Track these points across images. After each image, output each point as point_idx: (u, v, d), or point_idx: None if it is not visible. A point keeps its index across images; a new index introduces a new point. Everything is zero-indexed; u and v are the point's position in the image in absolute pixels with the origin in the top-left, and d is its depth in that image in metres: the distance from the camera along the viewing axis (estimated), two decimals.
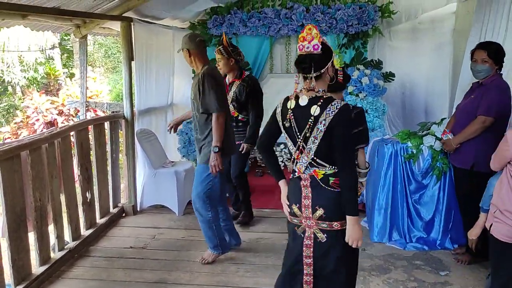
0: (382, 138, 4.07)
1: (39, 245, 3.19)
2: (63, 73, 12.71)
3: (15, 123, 8.78)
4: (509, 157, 2.06)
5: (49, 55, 13.03)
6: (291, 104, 2.13)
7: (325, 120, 2.03)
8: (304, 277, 2.18)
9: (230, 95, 3.86)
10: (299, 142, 2.12)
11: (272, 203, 4.61)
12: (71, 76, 12.72)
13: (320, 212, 2.11)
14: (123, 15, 4.07)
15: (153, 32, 4.64)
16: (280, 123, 2.17)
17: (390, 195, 3.68)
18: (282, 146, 5.76)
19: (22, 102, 10.86)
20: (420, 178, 3.66)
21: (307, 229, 2.17)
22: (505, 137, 2.11)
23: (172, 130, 3.81)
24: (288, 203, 2.24)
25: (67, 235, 3.59)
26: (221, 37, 3.76)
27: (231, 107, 3.79)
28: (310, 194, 2.14)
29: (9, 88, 13.22)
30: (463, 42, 4.65)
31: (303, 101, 2.10)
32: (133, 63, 4.30)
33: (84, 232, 3.80)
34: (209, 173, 3.21)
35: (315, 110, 2.05)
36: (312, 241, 2.15)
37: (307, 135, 2.08)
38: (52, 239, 3.42)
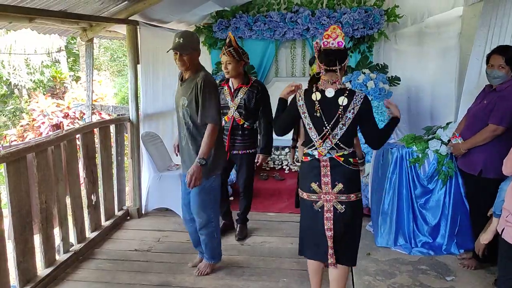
0: (387, 142, 4.05)
1: (44, 247, 3.20)
2: (69, 76, 12.78)
3: (21, 125, 8.83)
4: None
5: (55, 58, 13.11)
6: (316, 96, 2.46)
7: (353, 109, 2.42)
8: (328, 245, 2.54)
9: (236, 101, 3.60)
10: (325, 130, 2.46)
11: (277, 207, 4.61)
12: (77, 79, 12.79)
13: (339, 186, 2.49)
14: (129, 18, 4.08)
15: (159, 35, 4.65)
16: (305, 114, 2.51)
17: (395, 200, 3.67)
18: (286, 149, 5.77)
19: (28, 105, 10.92)
20: (426, 183, 3.64)
21: (325, 203, 2.52)
22: None
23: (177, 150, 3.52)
24: (301, 185, 2.63)
25: (72, 237, 3.60)
26: (227, 39, 3.52)
27: (236, 114, 3.61)
28: (329, 173, 2.50)
29: (16, 91, 13.31)
30: (469, 46, 4.64)
31: (330, 93, 2.45)
32: (139, 66, 4.31)
33: (89, 235, 3.81)
34: (211, 184, 3.05)
35: (343, 100, 2.42)
36: (332, 213, 2.52)
37: (336, 123, 2.44)
38: (57, 241, 3.43)
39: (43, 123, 8.07)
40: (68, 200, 3.54)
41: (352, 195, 2.52)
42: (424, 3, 5.27)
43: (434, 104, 5.48)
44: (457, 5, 5.10)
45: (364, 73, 5.31)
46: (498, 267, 2.39)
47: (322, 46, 2.49)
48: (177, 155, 3.51)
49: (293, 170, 5.61)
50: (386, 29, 5.44)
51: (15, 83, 12.65)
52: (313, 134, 2.50)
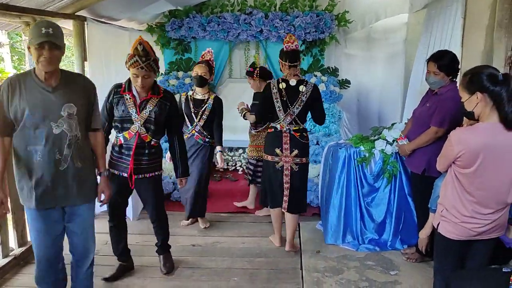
0: (336, 142, 4.16)
1: None
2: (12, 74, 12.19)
3: None
4: (453, 157, 2.16)
5: None
6: (283, 85, 3.41)
7: (307, 94, 3.40)
8: (284, 194, 3.51)
9: (143, 114, 2.93)
10: (289, 109, 3.40)
11: (229, 208, 4.60)
12: None
13: (295, 152, 3.45)
14: (76, 13, 3.96)
15: (108, 32, 4.54)
16: (277, 99, 3.41)
17: (343, 198, 3.76)
18: (240, 150, 5.78)
19: None
20: (372, 181, 3.77)
21: (284, 164, 3.46)
22: (449, 137, 2.20)
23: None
24: (266, 150, 3.57)
25: (12, 241, 3.42)
26: (136, 44, 2.83)
27: (142, 130, 2.94)
28: (288, 142, 3.45)
29: None
30: (414, 51, 4.86)
31: (293, 82, 3.41)
32: (86, 63, 4.18)
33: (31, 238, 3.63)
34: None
35: (302, 88, 3.40)
36: (289, 171, 3.47)
37: (295, 103, 3.39)
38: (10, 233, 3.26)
39: None
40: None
41: (304, 159, 3.49)
42: (371, 9, 5.46)
43: (381, 106, 5.70)
44: (403, 12, 5.32)
45: (315, 76, 5.43)
46: (434, 259, 2.50)
47: (285, 49, 3.41)
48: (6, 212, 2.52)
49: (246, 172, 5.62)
50: (337, 33, 5.60)
51: None
52: (280, 113, 3.42)
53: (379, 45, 5.60)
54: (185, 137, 3.73)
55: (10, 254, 3.35)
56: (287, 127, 3.43)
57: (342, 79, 5.55)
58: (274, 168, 3.50)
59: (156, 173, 3.10)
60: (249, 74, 4.22)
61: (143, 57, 2.79)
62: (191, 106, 3.90)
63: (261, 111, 3.59)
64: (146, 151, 3.00)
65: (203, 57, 4.03)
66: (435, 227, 2.36)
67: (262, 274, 3.32)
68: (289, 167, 3.47)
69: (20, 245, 3.47)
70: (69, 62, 14.41)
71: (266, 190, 3.65)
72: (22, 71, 2.34)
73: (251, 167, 4.38)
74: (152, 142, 3.01)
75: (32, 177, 2.36)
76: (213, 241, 3.89)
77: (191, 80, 5.36)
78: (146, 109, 2.95)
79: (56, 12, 3.78)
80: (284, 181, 3.49)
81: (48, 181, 2.35)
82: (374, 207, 3.77)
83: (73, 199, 2.44)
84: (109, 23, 4.64)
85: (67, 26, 4.34)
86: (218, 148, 3.98)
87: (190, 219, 4.21)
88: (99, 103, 2.58)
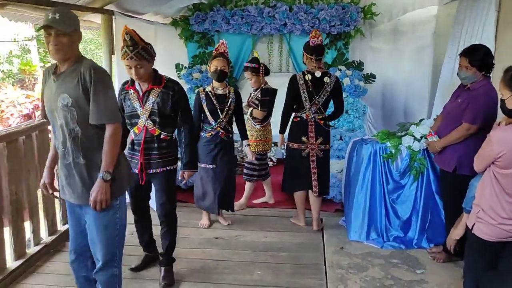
0: (361, 138, 4.12)
1: (14, 240, 3.12)
2: (40, 67, 12.42)
3: None
4: (493, 158, 2.10)
5: (25, 47, 12.72)
6: (308, 77, 3.68)
7: (330, 85, 3.71)
8: (313, 179, 3.79)
9: (147, 107, 2.82)
10: (315, 99, 3.69)
11: (250, 203, 4.61)
12: None
13: (320, 139, 3.76)
14: (104, 8, 4.00)
15: (135, 26, 4.46)
16: (304, 89, 3.68)
17: (368, 195, 3.73)
18: None
19: None
20: (398, 178, 3.72)
21: (310, 151, 3.76)
22: (489, 137, 2.14)
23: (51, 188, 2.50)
24: (292, 139, 3.83)
25: (43, 230, 3.51)
26: (123, 34, 2.69)
27: (149, 123, 2.83)
28: (313, 130, 3.75)
29: None
30: (443, 45, 4.76)
31: (318, 74, 3.69)
32: (113, 57, 4.23)
33: (61, 228, 3.72)
34: (117, 208, 2.33)
35: (327, 79, 3.70)
36: (315, 157, 3.77)
37: (321, 94, 3.69)
38: (28, 234, 3.34)
39: (12, 114, 7.83)
40: (39, 192, 3.45)
41: (327, 145, 3.83)
42: (399, 1, 5.36)
43: (408, 101, 5.60)
44: (432, 4, 5.21)
45: (340, 70, 5.38)
46: (465, 259, 2.46)
47: (311, 44, 3.66)
48: (52, 194, 2.51)
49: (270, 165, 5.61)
50: (363, 26, 5.51)
51: None
52: (306, 103, 3.70)
53: (406, 38, 5.49)
54: (207, 135, 3.73)
55: (41, 242, 3.44)
56: (313, 116, 3.72)
57: (367, 73, 5.48)
58: (300, 155, 3.77)
59: (168, 167, 2.93)
60: (255, 70, 4.06)
61: (131, 47, 2.64)
62: (215, 102, 3.72)
63: (290, 102, 3.78)
64: (156, 145, 2.86)
65: (217, 49, 3.80)
66: (470, 227, 2.31)
67: (285, 268, 3.33)
68: (315, 154, 3.76)
69: (50, 234, 3.56)
70: (96, 55, 14.68)
71: (289, 176, 3.90)
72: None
73: (256, 162, 4.25)
74: (162, 136, 2.86)
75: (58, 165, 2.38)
76: (235, 234, 3.91)
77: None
78: (148, 101, 2.81)
79: (85, 6, 3.83)
80: (311, 166, 3.77)
81: (61, 174, 2.31)
82: (400, 204, 3.72)
83: (79, 197, 2.27)
84: (136, 17, 4.67)
85: (96, 20, 4.40)
86: (245, 142, 3.98)
87: (210, 222, 4.07)
88: (110, 94, 2.25)
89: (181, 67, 5.74)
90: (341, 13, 5.28)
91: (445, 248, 3.10)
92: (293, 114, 3.84)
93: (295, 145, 3.79)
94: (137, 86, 2.86)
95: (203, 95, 3.74)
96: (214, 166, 3.79)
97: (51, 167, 2.46)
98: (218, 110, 3.73)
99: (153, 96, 2.81)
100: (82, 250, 2.45)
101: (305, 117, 3.74)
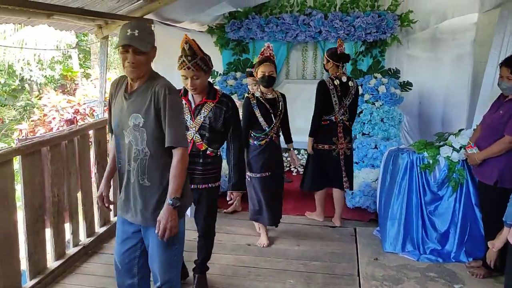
0: (397, 148, 4.04)
1: (55, 240, 3.24)
2: (80, 73, 12.87)
3: (32, 120, 8.92)
4: None
5: (66, 54, 13.22)
6: (337, 82, 3.91)
7: (354, 88, 4.00)
8: (343, 176, 4.06)
9: (197, 120, 2.75)
10: (343, 102, 3.94)
11: (284, 209, 4.57)
12: (87, 76, 12.89)
13: (348, 138, 4.07)
14: (144, 17, 4.12)
15: (172, 34, 4.68)
16: (334, 94, 3.89)
17: (404, 205, 3.65)
18: (295, 151, 5.76)
19: (39, 100, 11.02)
20: (436, 189, 3.63)
21: (340, 150, 4.01)
22: None
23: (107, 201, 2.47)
24: (322, 141, 4.02)
25: (81, 232, 3.63)
26: (182, 43, 2.63)
27: (197, 137, 2.77)
28: (342, 131, 4.00)
29: (26, 86, 13.43)
30: (484, 53, 4.63)
31: (344, 79, 3.95)
32: (152, 65, 4.33)
33: (98, 229, 3.84)
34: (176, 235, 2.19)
35: (351, 83, 3.99)
36: (343, 156, 4.04)
37: (348, 97, 3.95)
38: (67, 235, 3.46)
39: (53, 118, 8.15)
40: (79, 195, 3.57)
41: (351, 144, 4.15)
42: (438, 8, 5.26)
43: (446, 110, 5.47)
44: (472, 11, 5.08)
45: (375, 78, 5.31)
46: (505, 275, 2.37)
47: (338, 51, 3.90)
48: (108, 207, 2.48)
49: (300, 173, 5.60)
50: (399, 33, 5.44)
51: (27, 78, 12.77)
52: (336, 106, 3.92)
53: (445, 46, 5.37)
54: (261, 142, 3.59)
55: (79, 243, 3.55)
56: (341, 118, 3.97)
57: (404, 81, 5.39)
58: (329, 156, 4.01)
59: (210, 185, 2.85)
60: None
61: (189, 56, 2.58)
62: (268, 107, 3.58)
63: (321, 106, 3.95)
64: (201, 161, 2.79)
65: (262, 53, 3.60)
66: (511, 242, 2.23)
67: (317, 278, 3.30)
68: (343, 152, 4.04)
69: (88, 235, 3.67)
70: None
71: (315, 176, 4.11)
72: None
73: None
74: (208, 152, 2.79)
75: (119, 182, 2.31)
76: (268, 242, 3.91)
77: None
78: (200, 114, 2.73)
79: (126, 15, 3.96)
80: (341, 164, 4.05)
81: (123, 191, 2.24)
82: (437, 216, 3.63)
83: (139, 218, 2.20)
84: (173, 25, 4.78)
85: None
86: (291, 145, 3.95)
87: (269, 240, 3.91)
88: (182, 117, 2.20)
89: (216, 74, 5.82)
90: (377, 21, 5.23)
91: (485, 262, 3.00)
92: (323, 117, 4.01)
93: (326, 146, 4.00)
94: (190, 97, 2.80)
95: (254, 101, 3.57)
96: (270, 173, 3.62)
97: (108, 180, 2.43)
98: (272, 115, 3.60)
99: (205, 110, 2.74)
100: (128, 266, 2.33)
101: (334, 120, 3.96)
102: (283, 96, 3.78)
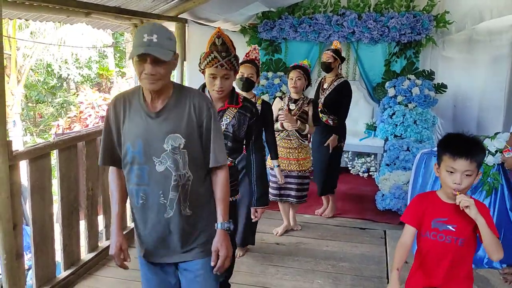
0: (431, 150, 3.96)
1: (88, 233, 3.34)
2: (115, 72, 13.21)
3: (69, 117, 9.24)
4: None
5: (103, 52, 13.60)
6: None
7: None
8: None
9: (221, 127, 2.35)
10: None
11: (313, 209, 4.58)
12: (123, 75, 13.25)
13: None
14: (178, 16, 4.20)
15: (206, 34, 4.71)
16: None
17: None
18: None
19: (76, 97, 11.41)
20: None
21: None
22: None
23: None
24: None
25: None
26: (213, 37, 2.25)
27: None
28: None
29: (64, 83, 13.90)
30: None
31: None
32: (185, 63, 4.42)
33: (130, 224, 3.93)
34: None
35: None
36: None
37: None
38: (100, 228, 3.56)
39: (89, 115, 8.41)
40: None
41: None
42: (475, 9, 5.12)
43: (481, 113, 5.32)
44: (510, 13, 4.93)
45: (409, 79, 5.22)
46: None
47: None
48: (124, 264, 1.99)
49: None
50: (434, 35, 5.33)
51: (65, 76, 13.22)
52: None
53: (482, 48, 5.23)
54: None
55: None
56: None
57: (438, 83, 5.27)
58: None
59: (232, 198, 2.43)
60: (305, 71, 3.78)
61: (223, 52, 2.20)
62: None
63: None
64: None
65: (248, 55, 3.30)
66: None
67: (345, 279, 3.28)
68: None
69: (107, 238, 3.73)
70: None
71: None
72: (128, 89, 1.92)
73: (306, 181, 3.90)
74: (228, 162, 2.29)
75: (136, 223, 1.91)
76: (296, 241, 3.91)
77: (280, 80, 5.44)
78: (222, 121, 2.34)
79: (161, 14, 4.04)
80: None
81: (150, 232, 1.85)
82: None
83: (178, 256, 1.89)
84: (207, 25, 4.85)
85: (170, 27, 4.63)
86: (276, 162, 3.53)
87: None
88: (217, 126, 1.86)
89: None
90: (412, 21, 5.14)
91: None
92: (332, 117, 4.15)
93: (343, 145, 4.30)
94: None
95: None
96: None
97: (121, 228, 1.95)
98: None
99: (228, 116, 2.37)
100: None
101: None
102: (266, 104, 3.14)
